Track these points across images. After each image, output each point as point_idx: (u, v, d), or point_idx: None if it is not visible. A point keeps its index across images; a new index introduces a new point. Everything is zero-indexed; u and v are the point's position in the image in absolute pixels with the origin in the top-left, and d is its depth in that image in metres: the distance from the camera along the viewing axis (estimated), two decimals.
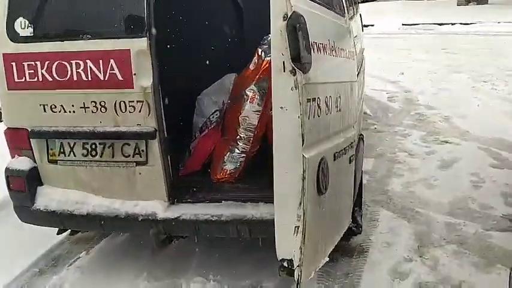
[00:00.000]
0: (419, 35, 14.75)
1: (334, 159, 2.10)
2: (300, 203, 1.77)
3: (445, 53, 10.99)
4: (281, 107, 1.75)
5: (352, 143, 2.37)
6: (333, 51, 2.08)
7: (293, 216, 1.78)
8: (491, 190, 3.91)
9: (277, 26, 1.71)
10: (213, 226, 2.53)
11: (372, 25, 16.94)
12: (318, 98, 1.89)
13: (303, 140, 1.76)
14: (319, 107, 1.89)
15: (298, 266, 1.82)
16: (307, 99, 1.79)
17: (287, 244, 1.84)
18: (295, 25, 1.67)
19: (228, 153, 2.87)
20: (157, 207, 2.60)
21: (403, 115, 6.42)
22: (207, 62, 3.37)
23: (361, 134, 3.13)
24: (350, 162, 2.34)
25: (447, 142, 5.18)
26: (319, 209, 1.95)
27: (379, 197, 3.88)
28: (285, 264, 1.86)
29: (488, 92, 7.28)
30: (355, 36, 3.35)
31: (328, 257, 2.90)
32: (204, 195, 2.72)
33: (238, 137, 2.84)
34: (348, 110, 2.34)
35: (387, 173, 4.42)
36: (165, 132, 2.59)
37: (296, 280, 1.86)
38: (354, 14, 3.63)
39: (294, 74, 1.71)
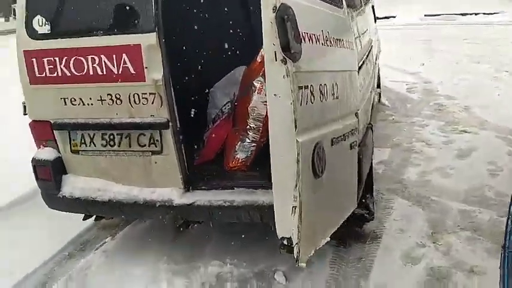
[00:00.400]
0: (442, 26, 14.53)
1: (332, 145, 2.17)
2: (296, 185, 1.86)
3: (467, 43, 10.83)
4: (274, 94, 1.83)
5: (353, 130, 2.42)
6: (328, 41, 2.14)
7: (290, 197, 1.87)
8: (508, 178, 3.89)
9: (267, 17, 1.79)
10: (226, 211, 2.63)
11: (394, 16, 16.77)
12: (311, 85, 1.96)
13: (295, 125, 1.84)
14: (312, 94, 1.96)
15: (296, 243, 1.90)
16: (299, 86, 1.86)
17: (286, 223, 1.93)
18: (283, 16, 1.75)
19: (239, 142, 2.97)
20: (173, 194, 2.72)
21: (422, 105, 6.40)
22: (219, 56, 3.46)
23: (370, 123, 3.17)
24: (351, 149, 2.40)
25: (465, 131, 5.16)
26: (316, 191, 2.02)
27: (394, 185, 3.92)
28: (285, 242, 1.94)
29: (509, 82, 7.18)
30: (362, 27, 3.40)
31: (340, 241, 3.03)
32: (218, 183, 2.82)
33: (248, 127, 2.93)
34: (347, 98, 2.39)
35: (403, 162, 4.44)
36: (178, 123, 2.69)
37: (295, 257, 1.95)
38: (361, 6, 3.65)
39: (285, 63, 1.79)
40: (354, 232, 3.14)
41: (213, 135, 3.20)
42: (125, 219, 3.44)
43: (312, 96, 1.96)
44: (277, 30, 1.75)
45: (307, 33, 1.93)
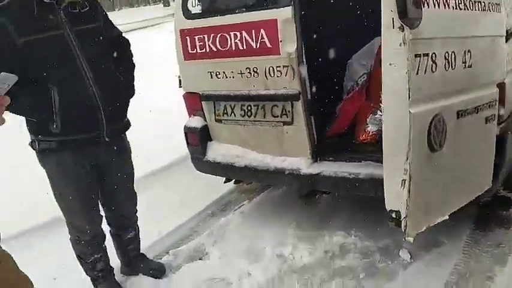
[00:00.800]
0: None
1: (458, 117, 2.00)
2: (407, 158, 1.79)
3: None
4: (390, 63, 1.77)
5: (491, 102, 2.17)
6: (460, 4, 1.93)
7: (400, 169, 1.81)
8: None
9: None
10: (350, 184, 2.64)
11: None
12: (433, 53, 1.82)
13: (409, 96, 1.75)
14: (434, 62, 1.83)
15: (404, 217, 1.85)
16: (416, 54, 1.76)
17: (394, 196, 1.88)
18: None
19: (371, 115, 2.92)
20: (302, 163, 2.83)
21: None
22: (359, 26, 3.39)
23: None
24: (487, 123, 2.17)
25: None
26: (432, 166, 1.90)
27: None
28: (393, 215, 1.91)
29: None
30: None
31: (478, 224, 2.80)
32: (345, 155, 2.83)
33: (381, 99, 2.85)
34: (484, 66, 2.14)
35: None
36: (309, 95, 2.77)
37: (403, 231, 1.90)
38: None
39: (402, 30, 1.71)
40: (497, 216, 2.87)
41: (345, 107, 3.20)
42: (260, 184, 3.70)
43: (433, 65, 1.84)
44: None
45: None
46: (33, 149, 2.36)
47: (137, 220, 2.84)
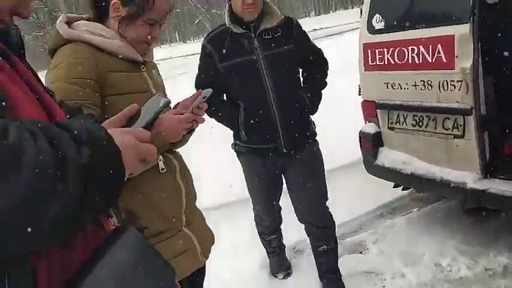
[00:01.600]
0: None
1: None
2: None
3: None
4: None
5: None
6: None
7: None
8: None
9: None
10: None
11: None
12: None
13: None
14: None
15: None
16: None
17: None
18: None
19: None
20: (469, 177, 2.82)
21: None
22: None
23: None
24: None
25: None
26: None
27: None
28: None
29: None
30: None
31: None
32: None
33: None
34: None
35: None
36: (483, 110, 2.76)
37: None
38: None
39: None
40: None
41: None
42: (433, 195, 3.72)
43: None
44: None
45: None
46: (233, 150, 2.86)
47: (331, 236, 2.83)
